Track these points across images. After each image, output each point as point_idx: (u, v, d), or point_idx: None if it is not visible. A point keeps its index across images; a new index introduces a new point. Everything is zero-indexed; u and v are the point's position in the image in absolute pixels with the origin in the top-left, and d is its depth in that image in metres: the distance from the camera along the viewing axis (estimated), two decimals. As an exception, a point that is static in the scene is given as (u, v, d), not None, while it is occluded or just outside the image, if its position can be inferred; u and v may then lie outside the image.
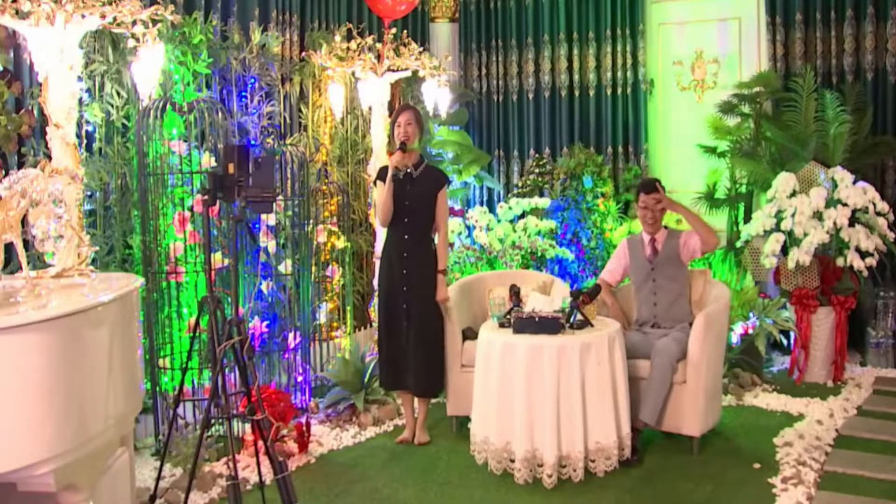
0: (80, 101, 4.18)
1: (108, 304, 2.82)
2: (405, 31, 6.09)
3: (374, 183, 4.66)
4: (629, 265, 4.78)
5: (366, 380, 5.05)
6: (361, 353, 5.24)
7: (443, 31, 7.84)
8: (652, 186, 4.67)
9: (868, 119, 6.25)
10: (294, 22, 6.15)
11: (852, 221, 5.54)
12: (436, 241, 4.59)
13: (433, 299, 4.52)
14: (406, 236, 4.48)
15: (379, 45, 5.86)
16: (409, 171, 4.48)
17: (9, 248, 3.00)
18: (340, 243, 5.64)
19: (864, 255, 5.53)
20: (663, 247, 4.63)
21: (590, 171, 6.96)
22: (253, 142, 5.37)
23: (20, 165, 3.98)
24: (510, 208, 6.79)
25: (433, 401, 4.74)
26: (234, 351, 3.34)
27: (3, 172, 3.60)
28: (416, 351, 4.47)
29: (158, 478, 3.53)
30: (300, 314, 5.09)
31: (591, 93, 7.52)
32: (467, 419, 4.34)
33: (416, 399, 4.66)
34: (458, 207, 7.23)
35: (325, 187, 5.74)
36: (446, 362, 4.64)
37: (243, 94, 5.45)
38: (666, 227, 4.73)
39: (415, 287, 4.47)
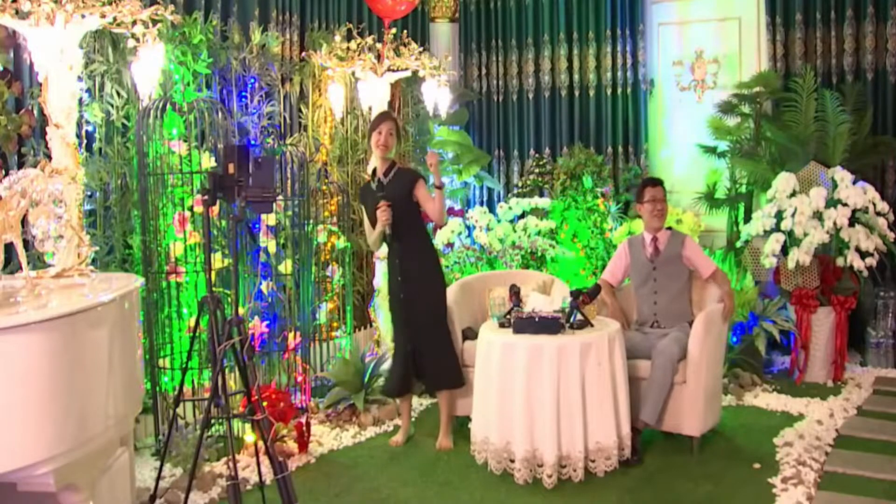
0: (80, 101, 4.18)
1: (108, 304, 2.82)
2: (405, 31, 6.10)
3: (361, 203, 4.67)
4: (629, 265, 4.78)
5: (366, 380, 5.05)
6: (361, 353, 5.24)
7: (443, 31, 7.85)
8: (657, 181, 4.76)
9: (868, 119, 6.25)
10: (294, 22, 6.15)
11: (852, 221, 5.54)
12: (431, 235, 4.59)
13: (434, 298, 4.50)
14: (395, 244, 4.44)
15: (379, 45, 5.86)
16: (379, 180, 4.43)
17: (9, 248, 3.01)
18: (341, 243, 5.64)
19: (864, 255, 5.53)
20: (665, 247, 4.65)
21: (590, 171, 6.96)
22: (253, 142, 5.37)
23: (20, 165, 3.98)
24: (510, 208, 6.79)
25: (432, 400, 4.74)
26: (234, 351, 3.34)
27: (3, 172, 3.60)
28: (428, 351, 4.46)
29: (158, 478, 3.53)
30: (300, 314, 5.09)
31: (591, 93, 7.52)
32: (467, 419, 4.34)
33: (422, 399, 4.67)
34: (458, 207, 7.23)
35: (324, 188, 5.74)
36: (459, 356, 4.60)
37: (243, 94, 5.45)
38: (669, 228, 4.74)
39: (413, 290, 4.44)
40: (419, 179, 4.43)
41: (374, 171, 4.49)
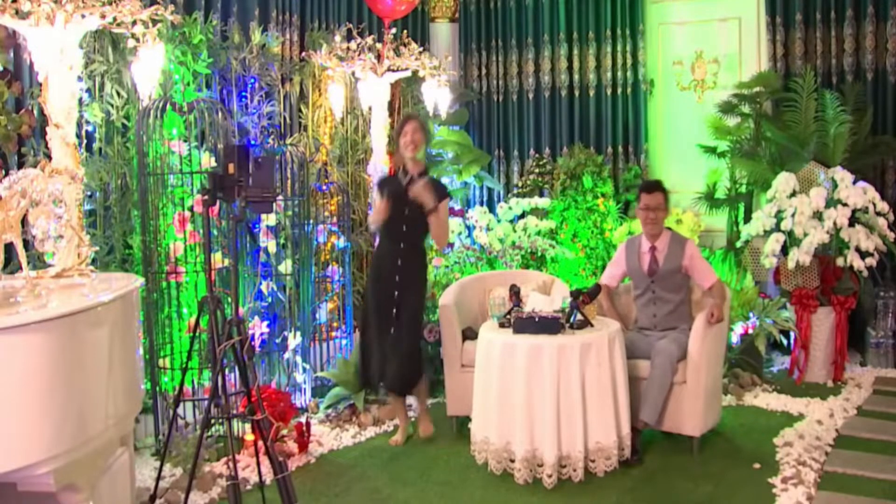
0: (80, 101, 4.18)
1: (108, 304, 2.82)
2: (405, 31, 6.09)
3: (377, 188, 4.72)
4: (627, 270, 4.73)
5: (366, 380, 5.05)
6: (361, 353, 5.24)
7: (443, 31, 7.85)
8: (653, 187, 4.63)
9: (868, 119, 6.25)
10: (294, 22, 6.15)
11: (852, 221, 5.54)
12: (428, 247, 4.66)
13: (419, 303, 4.56)
14: (402, 244, 4.49)
15: (379, 45, 5.86)
16: (412, 177, 4.50)
17: (9, 248, 3.01)
18: (341, 243, 5.65)
19: (864, 255, 5.53)
20: (665, 259, 4.53)
21: (590, 171, 6.96)
22: (253, 142, 5.37)
23: (20, 165, 3.99)
24: (510, 208, 6.79)
25: (432, 400, 4.75)
26: (234, 351, 3.34)
27: (3, 172, 3.60)
28: (397, 351, 4.47)
29: (158, 478, 3.53)
30: (300, 314, 5.09)
31: (591, 93, 7.51)
32: (467, 419, 4.34)
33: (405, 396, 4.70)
34: (458, 207, 7.23)
35: (324, 187, 5.75)
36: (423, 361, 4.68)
37: (243, 94, 5.45)
38: (670, 230, 4.65)
39: (405, 292, 4.48)
40: (446, 198, 4.54)
41: (404, 167, 4.55)
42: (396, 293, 4.47)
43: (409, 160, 4.52)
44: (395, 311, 4.47)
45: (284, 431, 4.38)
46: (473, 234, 6.54)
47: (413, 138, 4.49)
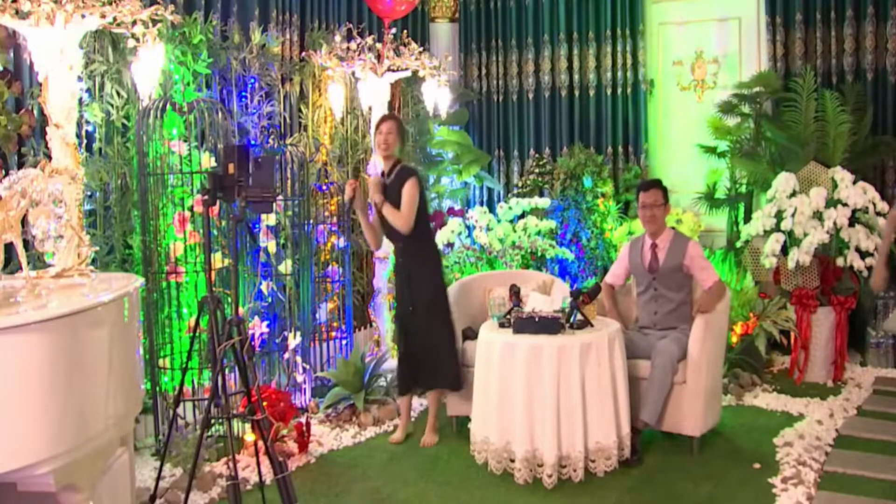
0: (80, 101, 4.18)
1: (108, 304, 2.82)
2: (405, 31, 6.09)
3: None
4: (629, 268, 4.75)
5: (366, 380, 5.05)
6: (361, 353, 5.24)
7: (443, 31, 7.85)
8: (650, 185, 4.67)
9: (868, 119, 6.24)
10: (294, 22, 6.15)
11: (852, 221, 5.54)
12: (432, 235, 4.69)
13: (436, 297, 4.52)
14: (400, 244, 4.51)
15: (379, 45, 5.86)
16: (383, 180, 4.51)
17: (9, 248, 3.00)
18: (341, 243, 5.65)
19: (864, 255, 5.53)
20: (666, 257, 4.54)
21: (590, 171, 6.96)
22: (253, 142, 5.37)
23: (20, 165, 3.98)
24: (510, 208, 6.79)
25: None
26: (234, 351, 3.34)
27: (3, 172, 3.60)
28: (428, 349, 4.48)
29: (158, 478, 3.53)
30: (300, 314, 5.09)
31: (591, 93, 7.51)
32: (467, 419, 4.34)
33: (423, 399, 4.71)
34: (458, 207, 7.23)
35: (324, 187, 5.75)
36: (458, 359, 4.60)
37: (243, 94, 5.45)
38: (674, 230, 4.67)
39: (417, 288, 4.49)
40: (408, 179, 4.40)
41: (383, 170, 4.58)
42: (410, 292, 4.51)
43: (380, 158, 4.56)
44: (411, 309, 4.51)
45: (284, 431, 4.38)
46: (473, 234, 6.54)
47: (386, 138, 4.48)
